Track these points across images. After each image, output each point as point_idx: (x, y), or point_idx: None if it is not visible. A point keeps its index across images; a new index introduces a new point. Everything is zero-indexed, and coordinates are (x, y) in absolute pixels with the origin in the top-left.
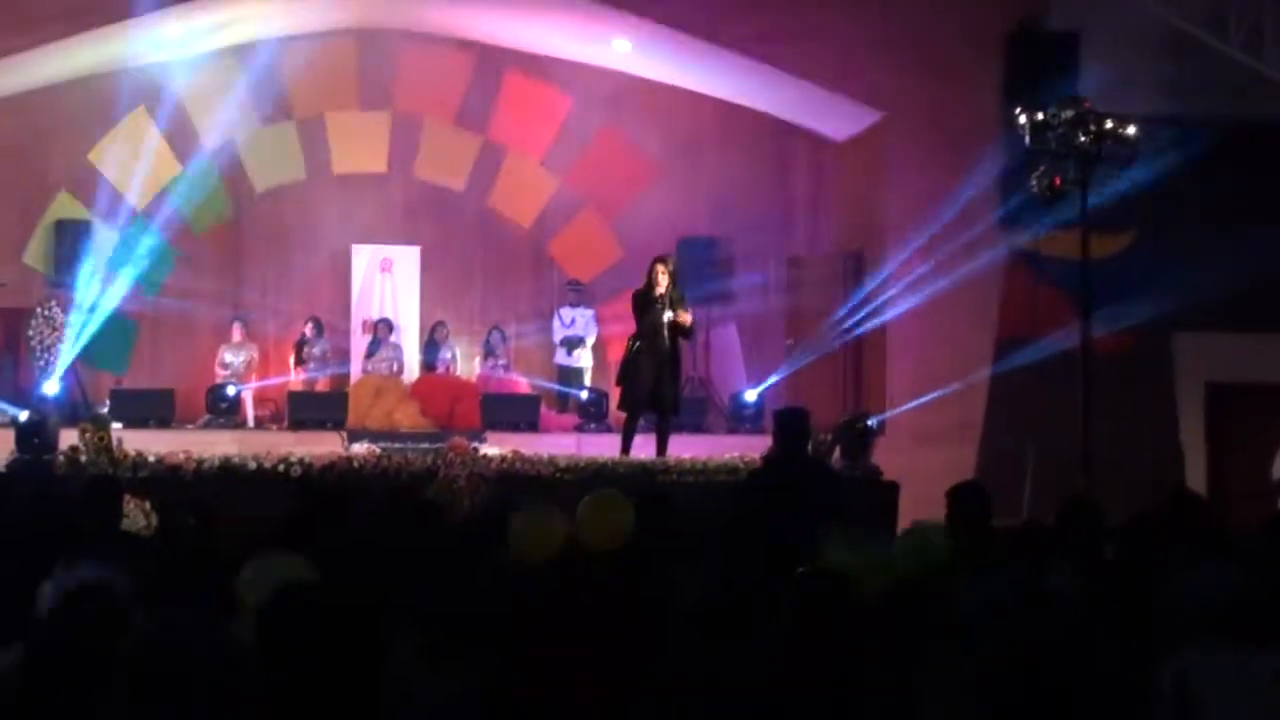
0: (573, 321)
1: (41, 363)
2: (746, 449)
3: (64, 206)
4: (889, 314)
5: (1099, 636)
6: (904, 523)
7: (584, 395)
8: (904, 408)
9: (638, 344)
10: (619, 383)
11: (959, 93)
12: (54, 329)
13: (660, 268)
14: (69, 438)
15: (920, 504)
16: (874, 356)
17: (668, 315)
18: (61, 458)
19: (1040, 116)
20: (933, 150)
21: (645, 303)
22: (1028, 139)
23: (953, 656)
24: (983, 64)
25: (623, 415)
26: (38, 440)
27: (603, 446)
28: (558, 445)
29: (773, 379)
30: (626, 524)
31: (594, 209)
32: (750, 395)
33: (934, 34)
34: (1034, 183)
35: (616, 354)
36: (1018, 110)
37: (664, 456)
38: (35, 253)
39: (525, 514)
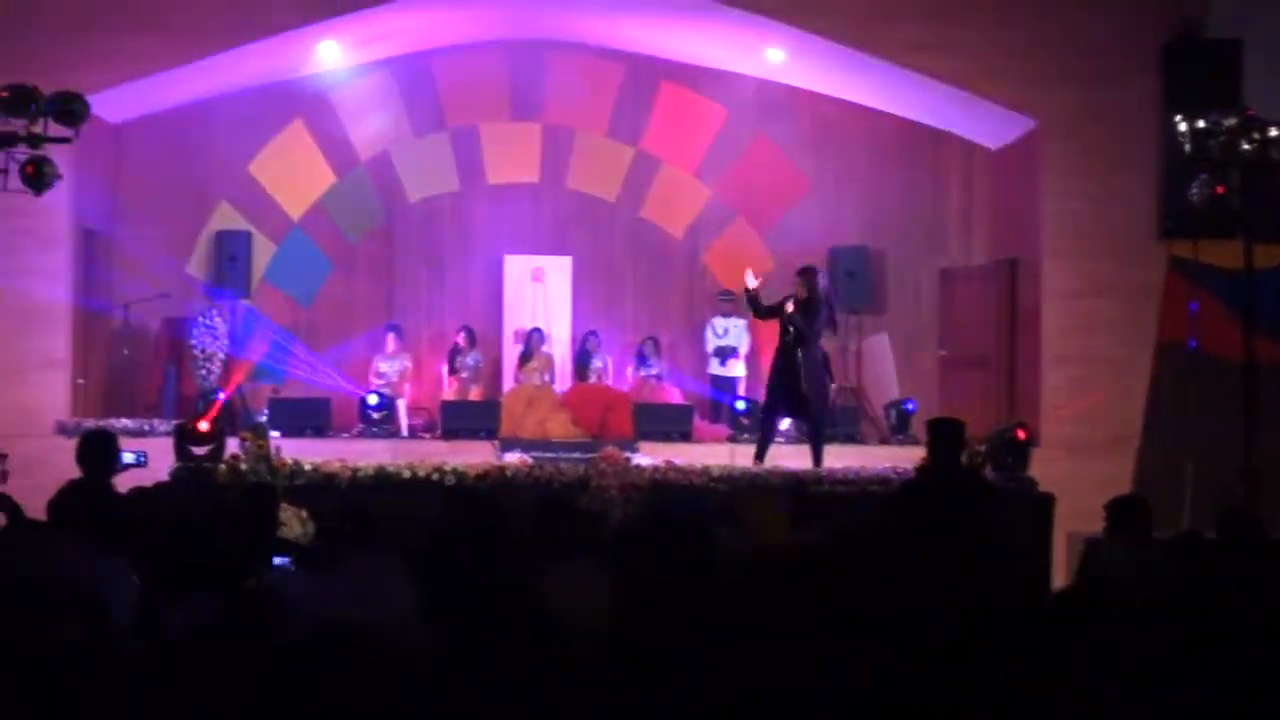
0: (726, 331)
1: (203, 371)
2: (899, 459)
3: (224, 217)
4: (1043, 323)
5: (1263, 651)
6: (1059, 535)
7: (738, 405)
8: None
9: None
10: None
11: (1116, 100)
12: (215, 338)
13: (799, 280)
14: (229, 446)
15: (1076, 516)
16: (1028, 366)
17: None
18: (223, 466)
19: (1201, 124)
20: (1089, 158)
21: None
22: (1188, 147)
23: (1107, 667)
24: (1140, 72)
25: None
26: (211, 448)
27: None
28: (711, 455)
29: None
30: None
31: (746, 219)
32: (905, 405)
33: (1089, 42)
34: (1195, 191)
35: (770, 364)
36: (1178, 118)
37: (818, 466)
38: (197, 262)
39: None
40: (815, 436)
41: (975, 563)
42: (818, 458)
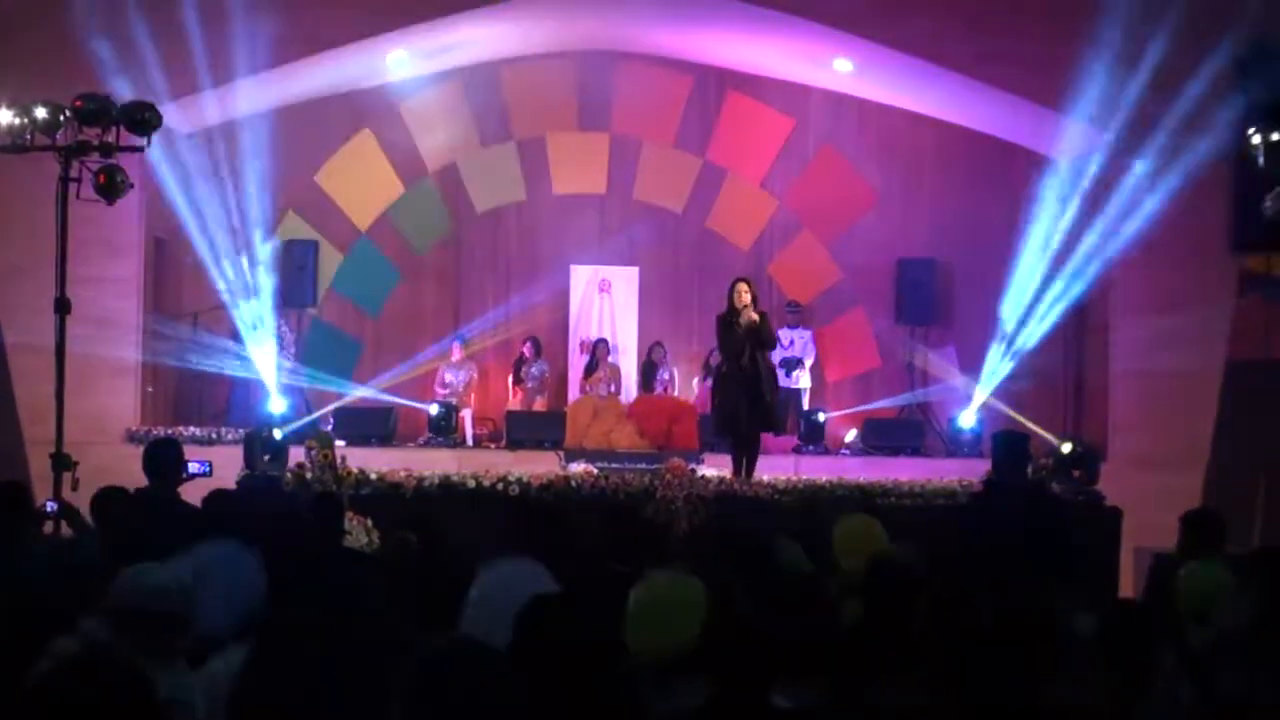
0: (791, 343)
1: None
2: (965, 473)
3: (292, 227)
4: (1112, 337)
5: None
6: (1127, 550)
7: (818, 418)
8: None
9: (725, 368)
10: (712, 409)
11: (1188, 113)
12: (281, 347)
13: (743, 287)
14: (294, 455)
15: (1144, 531)
16: (1096, 380)
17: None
18: (289, 474)
19: (1275, 137)
20: (1160, 171)
21: (728, 325)
22: (1262, 160)
23: (1178, 688)
24: (1213, 85)
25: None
26: (269, 458)
27: (821, 469)
28: (776, 467)
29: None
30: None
31: (812, 230)
32: (969, 419)
33: (1160, 55)
34: (1268, 205)
35: (834, 375)
36: (1252, 131)
37: (752, 477)
38: (264, 272)
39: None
40: (750, 450)
41: (1043, 576)
42: (749, 469)
